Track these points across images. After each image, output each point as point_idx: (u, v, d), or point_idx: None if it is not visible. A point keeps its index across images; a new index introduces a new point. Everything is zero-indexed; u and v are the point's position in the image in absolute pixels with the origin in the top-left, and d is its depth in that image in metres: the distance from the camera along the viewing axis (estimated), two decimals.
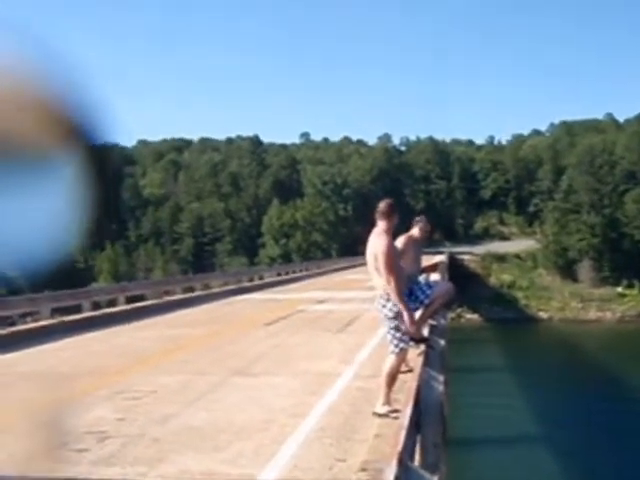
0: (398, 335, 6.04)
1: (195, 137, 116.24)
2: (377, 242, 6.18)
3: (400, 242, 7.79)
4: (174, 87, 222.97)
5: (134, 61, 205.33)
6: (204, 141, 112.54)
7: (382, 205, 6.46)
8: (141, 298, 19.47)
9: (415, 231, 8.32)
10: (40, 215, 1.13)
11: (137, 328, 13.74)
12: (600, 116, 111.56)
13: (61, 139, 1.11)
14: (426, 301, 6.91)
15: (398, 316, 6.07)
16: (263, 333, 12.71)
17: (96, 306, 16.98)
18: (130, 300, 18.54)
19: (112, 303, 18.23)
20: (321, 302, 19.58)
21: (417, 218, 8.63)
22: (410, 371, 6.81)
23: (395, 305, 6.06)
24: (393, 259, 6.16)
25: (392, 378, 6.02)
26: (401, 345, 6.06)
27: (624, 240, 69.52)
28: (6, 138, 1.06)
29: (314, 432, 5.74)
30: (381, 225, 6.30)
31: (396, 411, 5.63)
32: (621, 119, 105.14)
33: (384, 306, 6.12)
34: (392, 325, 6.07)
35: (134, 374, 8.54)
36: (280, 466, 4.91)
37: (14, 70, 1.06)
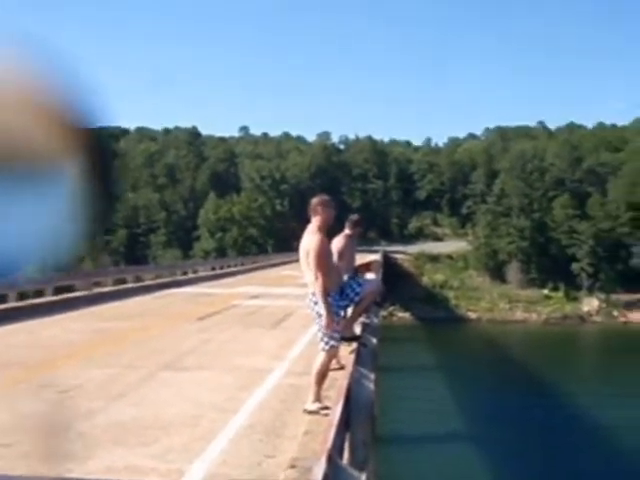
0: (328, 333, 6.07)
1: (132, 126, 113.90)
2: (309, 239, 6.18)
3: (339, 242, 7.85)
4: (112, 73, 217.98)
5: (72, 42, 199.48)
6: (141, 130, 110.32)
7: (314, 201, 6.46)
8: (70, 289, 18.95)
9: (348, 229, 8.41)
10: (38, 220, 1.10)
11: (65, 320, 13.38)
12: (533, 123, 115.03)
13: (62, 141, 1.08)
14: (356, 299, 6.97)
15: (319, 311, 6.11)
16: (195, 327, 12.59)
17: (22, 296, 16.43)
18: (58, 291, 18.02)
19: (39, 294, 17.66)
20: (255, 297, 19.52)
21: (350, 216, 8.76)
22: (342, 368, 6.87)
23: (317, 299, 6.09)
24: (324, 257, 6.17)
25: (322, 375, 6.06)
26: (331, 343, 6.09)
27: (551, 244, 71.86)
28: (7, 141, 1.03)
29: (244, 428, 5.73)
30: (314, 221, 6.30)
31: (326, 408, 5.67)
32: (552, 127, 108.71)
33: (316, 303, 6.14)
34: (322, 323, 6.10)
35: (60, 367, 8.32)
36: (209, 461, 4.88)
37: (13, 71, 1.03)
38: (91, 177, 1.09)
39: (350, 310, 7.16)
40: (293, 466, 4.48)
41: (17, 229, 1.05)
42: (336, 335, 6.13)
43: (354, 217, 8.73)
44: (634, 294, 67.85)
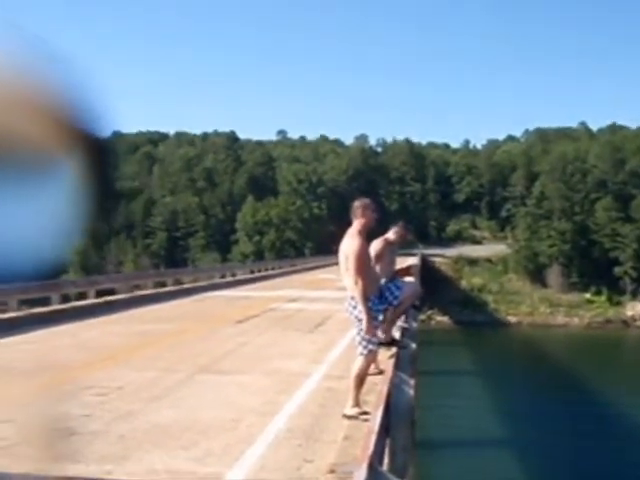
0: (367, 337, 6.01)
1: (171, 131, 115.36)
2: (349, 243, 6.14)
3: (376, 245, 7.77)
4: (151, 79, 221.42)
5: (109, 49, 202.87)
6: (180, 135, 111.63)
7: (356, 204, 6.41)
8: (111, 292, 19.23)
9: (391, 234, 8.30)
10: (38, 216, 1.09)
11: (106, 322, 13.56)
12: (574, 124, 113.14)
13: (62, 139, 1.07)
14: (395, 302, 6.90)
15: (358, 316, 6.05)
16: (234, 331, 12.63)
17: (65, 299, 16.71)
18: (100, 294, 18.30)
19: (81, 296, 17.95)
20: (293, 301, 19.54)
21: (399, 224, 8.63)
22: (381, 373, 6.80)
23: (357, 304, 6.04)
24: (363, 261, 6.13)
25: (361, 380, 6.00)
26: (369, 347, 6.03)
27: (593, 247, 70.52)
28: (6, 139, 1.02)
29: (282, 432, 5.70)
30: (355, 225, 6.26)
31: (365, 413, 5.61)
32: (594, 128, 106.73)
33: (354, 307, 6.09)
34: (361, 327, 6.04)
35: (101, 369, 8.41)
36: (248, 466, 4.86)
37: (12, 69, 1.01)
38: (89, 174, 1.07)
39: (389, 314, 7.09)
40: (332, 471, 4.43)
41: (16, 226, 1.03)
42: (375, 339, 6.07)
43: (400, 225, 8.57)
44: None
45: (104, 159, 1.11)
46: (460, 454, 22.22)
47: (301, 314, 15.82)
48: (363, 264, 6.07)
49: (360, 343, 6.05)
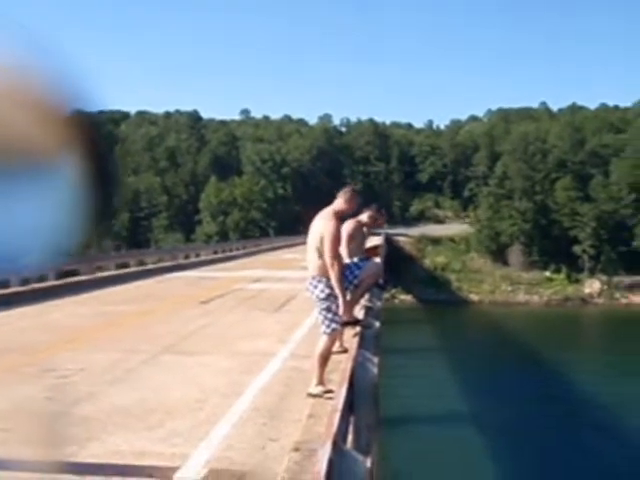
0: (329, 316, 6.06)
1: (132, 110, 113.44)
2: (325, 224, 6.15)
3: (349, 226, 7.80)
4: (111, 57, 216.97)
5: (72, 26, 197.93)
6: (141, 114, 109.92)
7: (349, 188, 6.60)
8: (73, 273, 18.96)
9: (364, 217, 8.31)
10: (39, 213, 1.08)
11: (68, 304, 13.40)
12: (535, 105, 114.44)
13: (58, 132, 1.06)
14: (355, 281, 6.96)
15: (329, 297, 6.10)
16: (198, 311, 12.59)
17: (25, 281, 16.42)
18: (61, 275, 18.03)
19: (42, 278, 17.65)
20: (258, 281, 19.52)
21: (372, 207, 8.62)
22: (345, 351, 6.86)
23: (326, 287, 6.08)
24: (339, 244, 6.19)
25: (324, 358, 6.06)
26: (332, 326, 6.08)
27: (553, 226, 71.76)
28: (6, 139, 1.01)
29: (247, 412, 5.73)
30: (334, 206, 6.30)
31: (329, 392, 5.67)
32: (555, 108, 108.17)
33: (315, 287, 6.13)
34: (323, 306, 6.09)
35: (64, 351, 8.33)
36: (213, 446, 4.88)
37: (8, 66, 1.00)
38: (89, 167, 1.07)
39: (349, 293, 7.15)
40: (297, 449, 4.48)
41: (18, 222, 1.03)
42: (337, 318, 6.12)
43: (373, 208, 8.53)
44: (636, 276, 67.81)
45: (101, 149, 1.10)
46: (424, 431, 22.58)
47: (266, 294, 15.83)
48: (338, 246, 6.13)
49: (323, 322, 6.10)
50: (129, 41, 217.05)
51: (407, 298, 62.10)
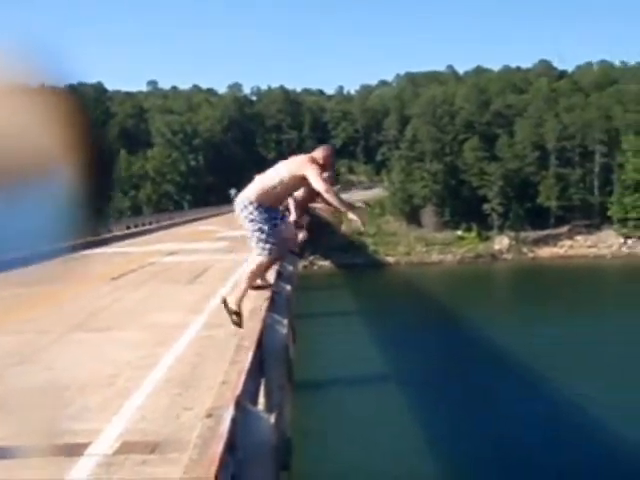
0: (263, 237, 6.12)
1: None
2: (303, 164, 6.22)
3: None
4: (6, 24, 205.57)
5: None
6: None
7: (328, 146, 6.67)
8: None
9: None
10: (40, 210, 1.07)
11: None
12: (442, 68, 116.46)
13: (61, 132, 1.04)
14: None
15: (262, 220, 6.17)
16: (110, 287, 12.36)
17: None
18: None
19: None
20: (172, 254, 19.27)
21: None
22: (269, 286, 6.92)
23: (261, 211, 6.14)
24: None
25: (254, 276, 6.12)
26: (267, 246, 6.14)
27: (463, 186, 73.85)
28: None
29: (161, 383, 5.72)
30: (315, 154, 6.36)
31: (238, 315, 5.79)
32: (461, 71, 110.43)
33: (245, 207, 6.18)
34: (255, 228, 6.15)
35: None
36: (127, 418, 4.86)
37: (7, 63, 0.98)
38: (88, 162, 1.06)
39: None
40: (210, 415, 4.52)
41: (24, 215, 1.02)
42: (272, 239, 6.18)
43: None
44: (541, 231, 70.86)
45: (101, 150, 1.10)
46: (342, 391, 23.05)
47: (180, 267, 15.66)
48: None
49: (257, 244, 6.16)
50: (26, 6, 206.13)
51: (325, 264, 62.80)
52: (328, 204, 6.38)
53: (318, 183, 6.20)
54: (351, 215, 6.20)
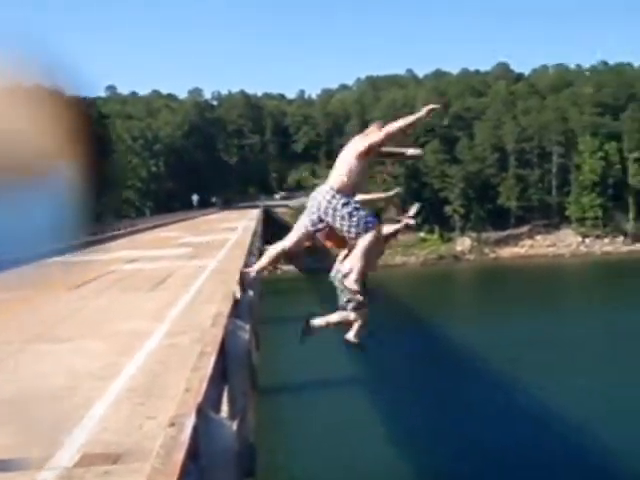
0: (354, 220, 6.06)
1: None
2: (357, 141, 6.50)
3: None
4: None
5: None
6: None
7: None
8: None
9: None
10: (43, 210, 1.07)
11: None
12: (402, 71, 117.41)
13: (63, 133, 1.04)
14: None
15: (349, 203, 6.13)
16: (70, 296, 12.17)
17: None
18: None
19: None
20: (133, 261, 19.07)
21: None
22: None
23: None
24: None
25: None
26: (365, 223, 6.07)
27: (425, 189, 74.56)
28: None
29: (123, 393, 5.66)
30: (368, 131, 6.55)
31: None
32: (420, 75, 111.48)
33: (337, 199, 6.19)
34: (345, 212, 6.13)
35: None
36: (88, 429, 4.80)
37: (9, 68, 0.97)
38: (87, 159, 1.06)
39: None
40: (173, 424, 4.49)
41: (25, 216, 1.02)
42: (363, 214, 6.21)
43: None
44: (502, 231, 71.87)
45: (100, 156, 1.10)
46: (305, 397, 23.04)
47: (142, 274, 15.50)
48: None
49: (350, 229, 6.19)
50: None
51: (289, 269, 62.72)
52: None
53: (377, 135, 6.30)
54: (412, 151, 6.32)
